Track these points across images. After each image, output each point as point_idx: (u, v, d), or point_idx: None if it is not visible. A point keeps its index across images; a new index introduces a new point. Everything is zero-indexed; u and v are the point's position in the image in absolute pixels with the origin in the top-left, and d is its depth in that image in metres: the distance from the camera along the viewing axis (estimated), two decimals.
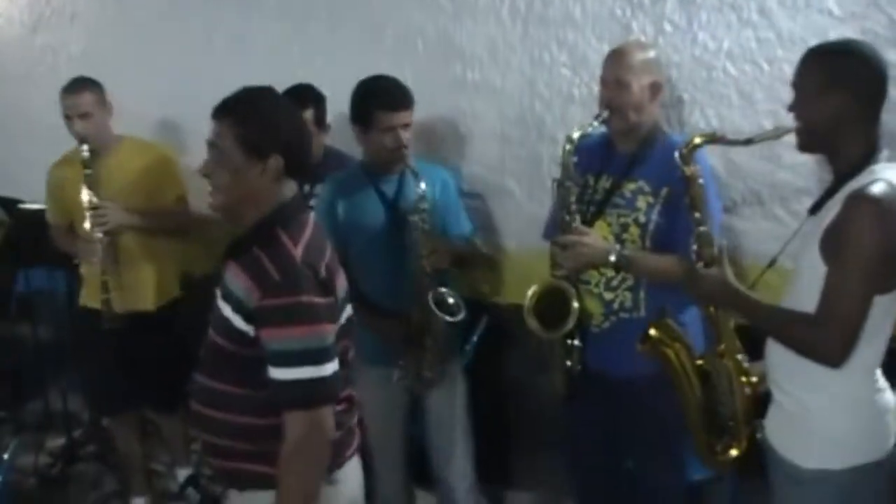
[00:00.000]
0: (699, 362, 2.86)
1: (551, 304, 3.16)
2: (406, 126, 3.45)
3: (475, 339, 4.00)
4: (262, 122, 2.38)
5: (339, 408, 2.44)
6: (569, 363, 3.25)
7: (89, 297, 4.16)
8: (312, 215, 2.54)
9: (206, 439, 2.49)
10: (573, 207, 3.13)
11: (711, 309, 2.73)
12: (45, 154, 4.35)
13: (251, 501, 2.46)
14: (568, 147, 3.11)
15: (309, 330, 2.28)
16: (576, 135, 3.11)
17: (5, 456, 3.41)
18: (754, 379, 2.74)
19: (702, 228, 2.67)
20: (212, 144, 2.43)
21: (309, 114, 3.75)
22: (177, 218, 4.18)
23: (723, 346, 2.76)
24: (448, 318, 3.39)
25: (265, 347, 2.30)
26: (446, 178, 3.68)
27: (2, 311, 5.55)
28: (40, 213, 4.48)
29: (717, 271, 2.56)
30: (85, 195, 3.96)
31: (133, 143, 4.22)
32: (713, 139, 2.72)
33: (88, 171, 3.97)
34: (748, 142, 2.67)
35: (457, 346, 3.79)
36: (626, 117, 3.09)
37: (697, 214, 2.69)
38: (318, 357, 2.29)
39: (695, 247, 2.66)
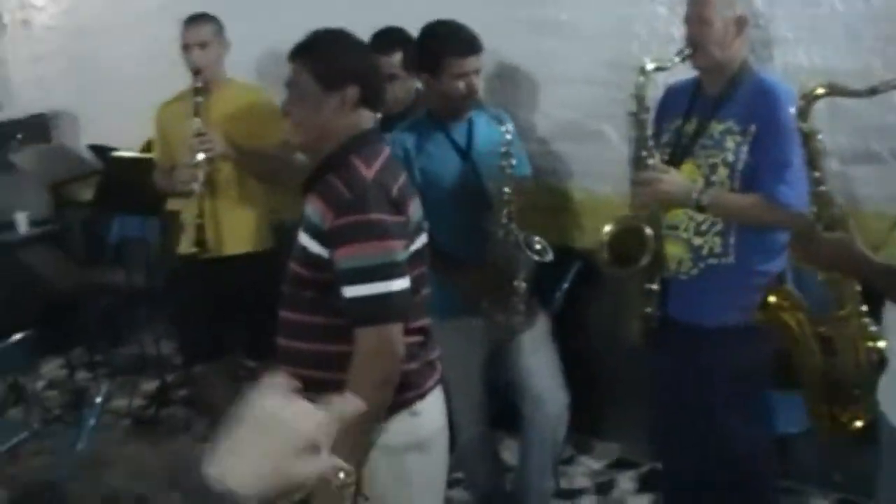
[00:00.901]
0: (820, 329, 2.69)
1: (627, 244, 3.08)
2: (477, 72, 3.39)
3: (565, 286, 3.92)
4: (335, 54, 2.47)
5: (413, 339, 2.46)
6: (648, 309, 3.15)
7: (188, 244, 4.18)
8: (387, 148, 2.58)
9: (292, 372, 2.49)
10: (649, 143, 3.03)
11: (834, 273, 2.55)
12: (134, 103, 4.40)
13: None
14: (641, 79, 3.02)
15: (379, 246, 2.32)
16: (650, 66, 3.01)
17: (98, 399, 3.47)
18: (882, 344, 2.52)
19: (822, 188, 2.49)
20: (290, 84, 2.52)
21: (398, 57, 3.69)
22: (277, 162, 4.14)
23: (846, 310, 2.60)
24: (538, 258, 3.33)
25: (337, 267, 2.35)
26: (508, 121, 3.60)
27: (96, 257, 5.68)
28: (133, 160, 4.54)
29: (842, 236, 2.36)
30: (194, 122, 3.97)
31: (241, 84, 4.26)
32: (833, 90, 2.47)
33: (199, 99, 4.00)
34: (872, 92, 2.39)
35: (546, 292, 3.72)
36: (710, 54, 2.98)
37: (817, 174, 2.51)
38: (387, 273, 2.32)
39: (814, 209, 2.49)
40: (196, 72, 4.05)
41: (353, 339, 2.34)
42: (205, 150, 3.93)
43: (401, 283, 2.34)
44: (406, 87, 3.74)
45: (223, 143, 3.98)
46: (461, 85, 3.35)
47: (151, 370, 5.33)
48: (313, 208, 2.40)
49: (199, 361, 4.51)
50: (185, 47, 4.09)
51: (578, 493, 4.14)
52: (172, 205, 4.54)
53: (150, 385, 5.32)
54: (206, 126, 3.99)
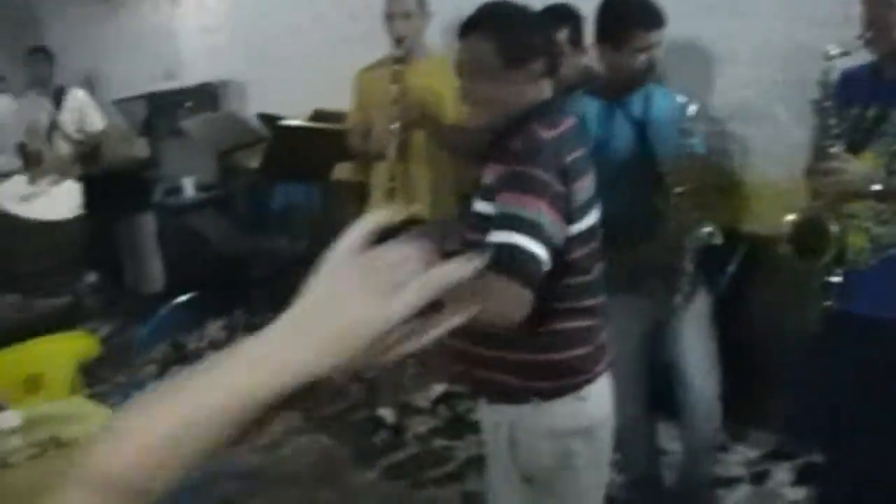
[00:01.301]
0: None
1: (810, 236, 2.99)
2: (658, 46, 3.33)
3: (730, 269, 3.85)
4: (519, 28, 2.39)
5: (583, 322, 2.41)
6: (826, 302, 3.06)
7: (375, 207, 4.25)
8: (572, 118, 2.49)
9: (461, 346, 2.52)
10: (833, 131, 2.92)
11: None
12: (301, 74, 4.49)
13: (498, 413, 2.48)
14: (826, 64, 2.90)
15: (536, 203, 2.21)
16: (834, 51, 2.89)
17: None
18: None
19: None
20: (464, 62, 2.44)
21: (564, 33, 3.66)
22: (467, 137, 4.18)
23: None
24: (706, 241, 3.28)
25: (495, 211, 2.27)
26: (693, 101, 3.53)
27: (259, 223, 5.86)
28: (300, 129, 4.64)
29: None
30: (392, 89, 4.05)
31: (439, 58, 4.28)
32: None
33: (399, 67, 4.07)
34: None
35: (710, 275, 3.66)
36: (892, 38, 2.84)
37: None
38: (535, 232, 2.20)
39: None
40: (398, 41, 4.11)
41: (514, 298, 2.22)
42: (401, 117, 4.00)
43: (541, 251, 2.20)
44: (572, 63, 3.71)
45: (418, 113, 4.04)
46: (642, 58, 3.31)
47: None
48: (489, 173, 2.36)
49: None
50: (389, 16, 4.15)
51: (734, 481, 4.08)
52: (339, 173, 4.64)
53: None
54: (404, 95, 4.05)
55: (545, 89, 2.44)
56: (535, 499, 2.47)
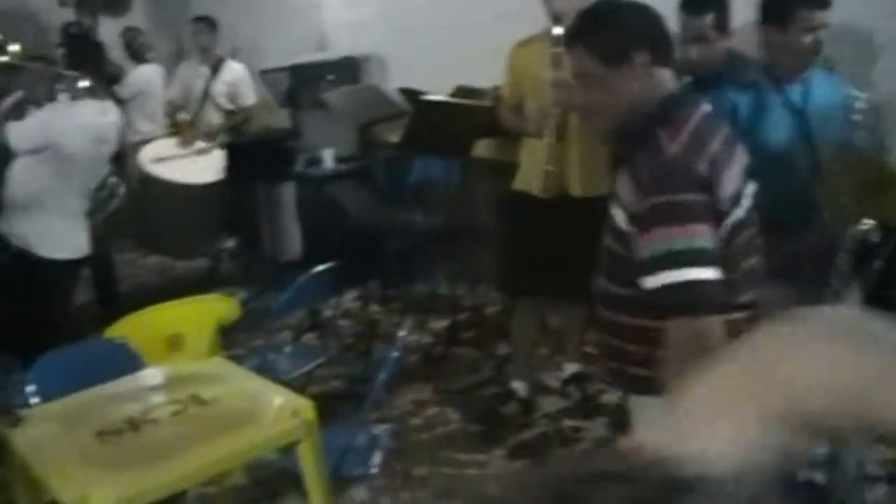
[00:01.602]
0: None
1: None
2: (825, 27, 3.21)
3: (878, 263, 3.69)
4: (610, 28, 2.34)
5: (741, 315, 2.33)
6: None
7: (523, 181, 4.25)
8: (703, 108, 2.39)
9: (604, 340, 2.50)
10: None
11: None
12: (443, 50, 4.48)
13: (640, 405, 2.44)
14: None
15: (685, 231, 2.15)
16: None
17: (402, 332, 3.63)
18: None
19: None
20: (575, 75, 2.44)
21: (709, 18, 3.57)
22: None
23: None
24: (863, 237, 3.15)
25: (640, 254, 2.22)
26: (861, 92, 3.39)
27: (397, 197, 5.90)
28: (442, 104, 4.64)
29: None
30: (549, 72, 4.02)
31: None
32: None
33: (558, 50, 4.03)
34: None
35: (862, 269, 3.52)
36: None
37: None
38: (694, 259, 2.15)
39: None
40: (557, 18, 4.05)
41: (665, 316, 2.21)
42: (559, 102, 3.97)
43: (710, 273, 2.16)
44: (716, 49, 3.60)
45: (576, 96, 3.99)
46: (808, 39, 3.20)
47: (443, 309, 5.51)
48: (623, 184, 2.30)
49: (513, 294, 4.63)
50: None
51: (872, 480, 3.93)
52: (480, 150, 4.63)
53: (439, 323, 5.50)
54: (562, 75, 4.01)
55: (662, 78, 2.35)
56: None
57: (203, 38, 7.02)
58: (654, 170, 2.22)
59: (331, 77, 6.55)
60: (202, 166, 6.30)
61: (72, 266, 4.65)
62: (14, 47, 4.95)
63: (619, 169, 2.36)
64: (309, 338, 5.34)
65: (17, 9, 9.34)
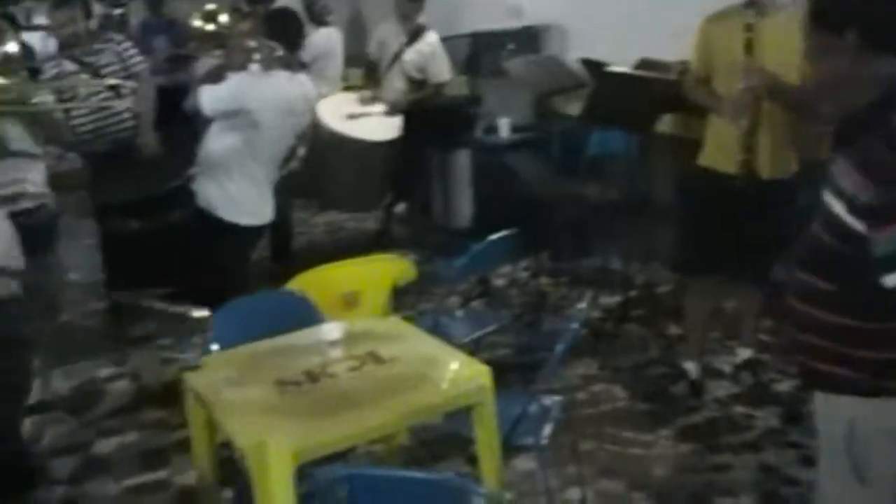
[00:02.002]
0: None
1: None
2: None
3: None
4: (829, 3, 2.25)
5: None
6: None
7: (710, 158, 4.16)
8: None
9: (792, 333, 2.39)
10: None
11: None
12: (626, 21, 4.38)
13: (830, 404, 2.33)
14: None
15: None
16: None
17: (582, 304, 3.59)
18: None
19: None
20: (807, 55, 2.35)
21: None
22: (805, 105, 3.97)
23: None
24: None
25: (874, 249, 2.09)
26: None
27: (573, 169, 5.85)
28: (626, 77, 4.56)
29: None
30: (740, 55, 3.92)
31: (790, 13, 4.06)
32: None
33: (750, 35, 3.92)
34: None
35: None
36: None
37: None
38: None
39: None
40: (750, 3, 3.94)
41: (880, 318, 2.12)
42: (751, 86, 3.86)
43: None
44: None
45: (767, 78, 3.88)
46: None
47: (613, 285, 5.45)
48: (845, 172, 2.15)
49: (688, 275, 4.55)
50: None
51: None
52: (662, 126, 4.53)
53: (609, 300, 5.45)
54: (756, 57, 3.90)
55: (888, 65, 2.20)
56: (870, 502, 2.31)
57: (405, 5, 7.00)
58: (891, 160, 2.08)
59: (511, 46, 6.53)
60: (379, 124, 6.37)
61: (252, 231, 4.79)
62: (223, 17, 5.13)
63: (838, 155, 2.21)
64: (477, 305, 5.37)
65: None
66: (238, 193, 4.60)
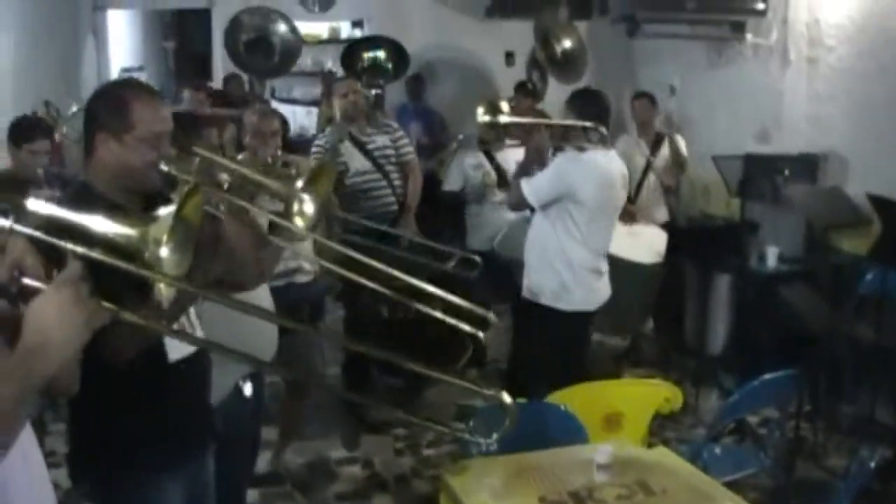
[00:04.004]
0: None
1: None
2: None
3: None
4: None
5: None
6: None
7: None
8: None
9: None
10: None
11: None
12: None
13: None
14: None
15: None
16: None
17: (864, 453, 3.39)
18: None
19: None
20: None
21: None
22: None
23: None
24: None
25: None
26: None
27: (841, 307, 5.58)
28: None
29: None
30: None
31: None
32: None
33: None
34: None
35: None
36: None
37: None
38: None
39: None
40: None
41: None
42: None
43: None
44: None
45: None
46: None
47: (879, 438, 5.13)
48: None
49: None
50: None
51: None
52: None
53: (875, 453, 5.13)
54: None
55: None
56: None
57: (643, 112, 7.13)
58: None
59: (786, 171, 6.38)
60: (643, 244, 6.34)
61: (580, 317, 4.91)
62: (504, 105, 5.30)
63: None
64: (728, 441, 5.17)
65: (470, 67, 10.10)
66: (568, 279, 4.73)
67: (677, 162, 7.00)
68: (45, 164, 5.00)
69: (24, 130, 5.05)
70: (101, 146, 2.58)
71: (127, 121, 2.53)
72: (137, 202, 2.61)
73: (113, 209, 2.52)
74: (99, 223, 1.75)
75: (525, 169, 4.86)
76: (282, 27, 8.74)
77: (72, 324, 1.64)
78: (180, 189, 2.54)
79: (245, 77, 9.24)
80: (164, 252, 1.73)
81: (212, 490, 2.95)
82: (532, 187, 4.69)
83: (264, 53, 8.68)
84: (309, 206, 2.58)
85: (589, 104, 4.84)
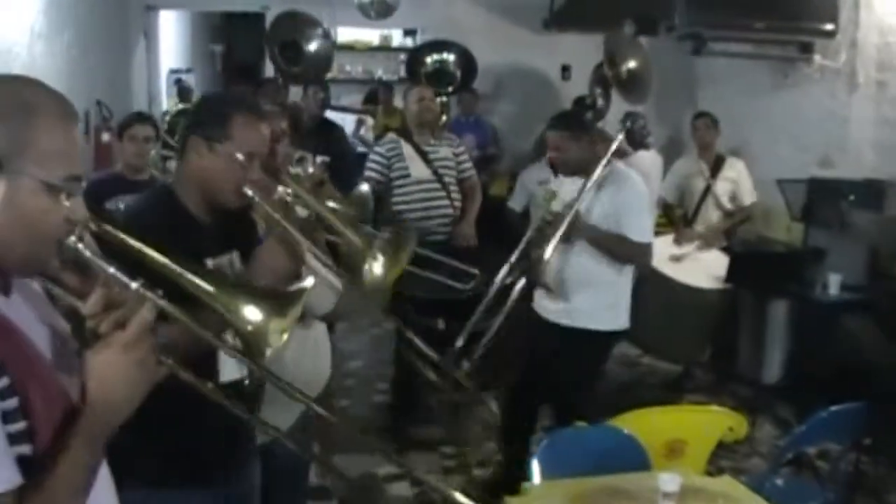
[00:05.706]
0: None
1: None
2: None
3: None
4: None
5: None
6: None
7: None
8: None
9: None
10: None
11: None
12: None
13: None
14: None
15: None
16: None
17: None
18: None
19: None
20: None
21: None
22: None
23: None
24: None
25: None
26: None
27: None
28: None
29: None
30: None
31: None
32: None
33: None
34: None
35: None
36: None
37: None
38: None
39: None
40: None
41: None
42: None
43: None
44: None
45: None
46: None
47: None
48: None
49: None
50: None
51: None
52: None
53: None
54: None
55: None
56: None
57: (703, 133, 7.11)
58: None
59: (851, 197, 6.33)
60: (702, 268, 6.32)
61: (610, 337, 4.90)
62: None
63: None
64: (786, 471, 5.13)
65: (525, 80, 10.11)
66: (620, 298, 4.75)
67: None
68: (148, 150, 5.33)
69: (124, 121, 5.48)
70: (191, 150, 2.57)
71: (224, 130, 2.52)
72: (215, 217, 2.60)
73: (190, 220, 2.55)
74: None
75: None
76: (316, 33, 8.70)
77: (137, 383, 1.62)
78: (258, 213, 2.57)
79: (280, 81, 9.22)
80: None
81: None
82: (641, 229, 4.63)
83: (293, 60, 8.59)
84: (378, 268, 2.57)
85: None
